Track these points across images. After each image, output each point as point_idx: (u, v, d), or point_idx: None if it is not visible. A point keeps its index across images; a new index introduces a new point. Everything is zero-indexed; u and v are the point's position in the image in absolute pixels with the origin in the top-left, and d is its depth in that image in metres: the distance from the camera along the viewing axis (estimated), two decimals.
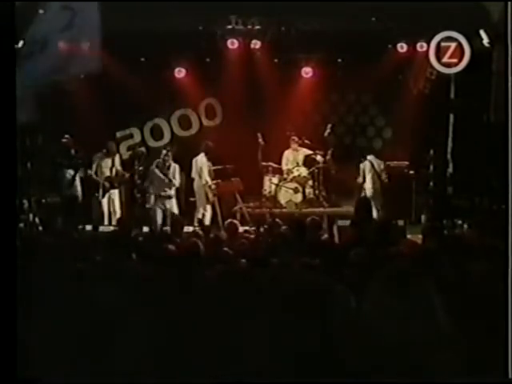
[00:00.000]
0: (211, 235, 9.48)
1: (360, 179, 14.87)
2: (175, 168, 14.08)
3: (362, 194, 14.54)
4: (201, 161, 14.53)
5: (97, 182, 14.39)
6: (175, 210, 13.93)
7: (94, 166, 14.41)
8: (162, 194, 13.94)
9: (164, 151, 14.23)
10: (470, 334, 3.27)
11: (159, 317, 4.42)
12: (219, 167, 14.68)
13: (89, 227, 13.16)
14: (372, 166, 14.80)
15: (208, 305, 4.53)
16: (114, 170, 14.45)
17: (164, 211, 13.89)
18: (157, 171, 13.94)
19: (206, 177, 14.43)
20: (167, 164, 13.98)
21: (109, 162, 14.45)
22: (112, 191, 14.37)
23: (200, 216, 14.41)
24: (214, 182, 14.51)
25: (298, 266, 5.98)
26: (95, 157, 14.50)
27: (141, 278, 5.75)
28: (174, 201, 14.07)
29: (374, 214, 14.09)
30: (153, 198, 13.99)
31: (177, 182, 14.10)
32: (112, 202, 14.40)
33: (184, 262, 6.66)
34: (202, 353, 4.06)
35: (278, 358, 3.54)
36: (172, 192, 14.04)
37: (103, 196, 14.30)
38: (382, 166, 14.89)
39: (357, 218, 9.92)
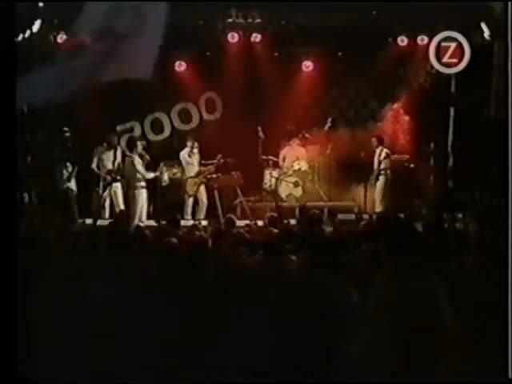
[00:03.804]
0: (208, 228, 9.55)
1: None
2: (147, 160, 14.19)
3: None
4: (186, 155, 14.67)
5: (98, 175, 14.37)
6: (144, 201, 14.00)
7: (96, 160, 14.39)
8: (136, 184, 14.00)
9: (138, 142, 14.36)
10: (469, 331, 3.27)
11: (159, 314, 4.43)
12: (214, 161, 14.71)
13: (89, 221, 13.22)
14: None
15: (205, 300, 4.54)
16: (115, 164, 14.45)
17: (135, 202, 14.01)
18: (133, 162, 14.04)
19: (190, 169, 14.56)
20: (143, 156, 14.08)
21: (110, 155, 14.42)
22: (114, 184, 14.34)
23: (189, 209, 14.53)
24: (205, 174, 14.64)
25: (299, 259, 5.98)
26: (96, 150, 14.47)
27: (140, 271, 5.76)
28: (144, 191, 14.09)
29: None
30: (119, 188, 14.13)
31: (146, 174, 14.16)
32: (114, 195, 14.39)
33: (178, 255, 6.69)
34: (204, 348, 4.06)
35: (277, 352, 3.54)
36: (143, 183, 14.08)
37: (104, 189, 14.27)
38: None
39: None
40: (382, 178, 14.84)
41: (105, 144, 14.54)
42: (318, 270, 5.26)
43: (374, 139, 15.02)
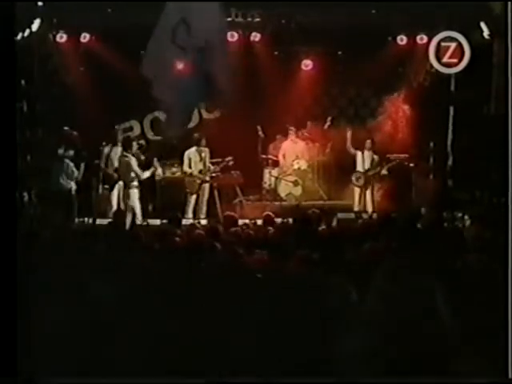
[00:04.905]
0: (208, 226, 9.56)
1: None
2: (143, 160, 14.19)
3: None
4: (191, 153, 14.63)
5: (106, 173, 14.27)
6: (136, 201, 13.97)
7: (104, 158, 14.29)
8: (131, 184, 13.98)
9: (134, 143, 14.33)
10: (468, 331, 3.27)
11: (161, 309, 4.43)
12: (219, 160, 14.68)
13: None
14: None
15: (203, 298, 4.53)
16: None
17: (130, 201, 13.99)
18: (125, 161, 14.01)
19: (192, 168, 14.56)
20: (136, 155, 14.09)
21: (118, 152, 14.31)
22: (120, 183, 14.20)
23: (191, 208, 14.49)
24: (210, 174, 14.59)
25: (298, 258, 5.98)
26: (104, 148, 14.37)
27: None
28: (136, 191, 14.06)
29: None
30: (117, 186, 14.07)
31: (141, 174, 14.16)
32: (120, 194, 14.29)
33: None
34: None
35: (276, 350, 3.54)
36: (135, 183, 14.04)
37: (112, 188, 14.15)
38: None
39: None
40: (374, 179, 14.93)
41: (112, 141, 14.45)
42: (313, 269, 5.27)
43: (368, 141, 15.04)
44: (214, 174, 14.63)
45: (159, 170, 14.41)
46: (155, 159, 14.30)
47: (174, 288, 4.94)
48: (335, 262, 6.02)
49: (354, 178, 15.02)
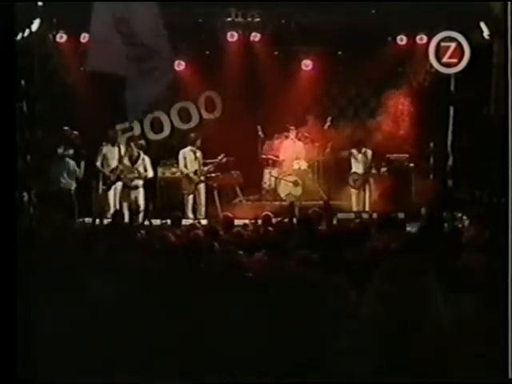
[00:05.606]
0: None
1: None
2: (145, 159, 14.16)
3: None
4: (186, 153, 14.63)
5: (102, 173, 14.25)
6: (141, 201, 13.99)
7: (100, 158, 14.27)
8: (130, 184, 13.97)
9: (132, 143, 14.34)
10: (468, 331, 3.27)
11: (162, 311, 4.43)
12: (216, 160, 14.70)
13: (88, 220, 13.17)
14: None
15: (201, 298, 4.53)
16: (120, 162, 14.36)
17: (130, 202, 13.97)
18: (126, 161, 14.00)
19: (188, 168, 14.56)
20: (135, 155, 14.06)
21: (115, 153, 14.30)
22: (118, 183, 14.20)
23: (189, 207, 14.50)
24: (205, 173, 14.61)
25: (298, 258, 5.98)
26: (101, 148, 14.35)
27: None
28: (141, 191, 14.09)
29: None
30: (119, 187, 14.05)
31: (149, 173, 14.16)
32: (117, 194, 14.29)
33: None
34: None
35: (276, 350, 3.53)
36: (140, 182, 14.06)
37: (109, 188, 14.15)
38: None
39: None
40: (372, 181, 14.99)
41: (109, 142, 14.43)
42: (313, 269, 5.27)
43: (361, 145, 15.13)
44: (213, 175, 14.67)
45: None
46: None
47: (174, 288, 4.94)
48: (335, 261, 6.02)
49: (350, 180, 15.05)
